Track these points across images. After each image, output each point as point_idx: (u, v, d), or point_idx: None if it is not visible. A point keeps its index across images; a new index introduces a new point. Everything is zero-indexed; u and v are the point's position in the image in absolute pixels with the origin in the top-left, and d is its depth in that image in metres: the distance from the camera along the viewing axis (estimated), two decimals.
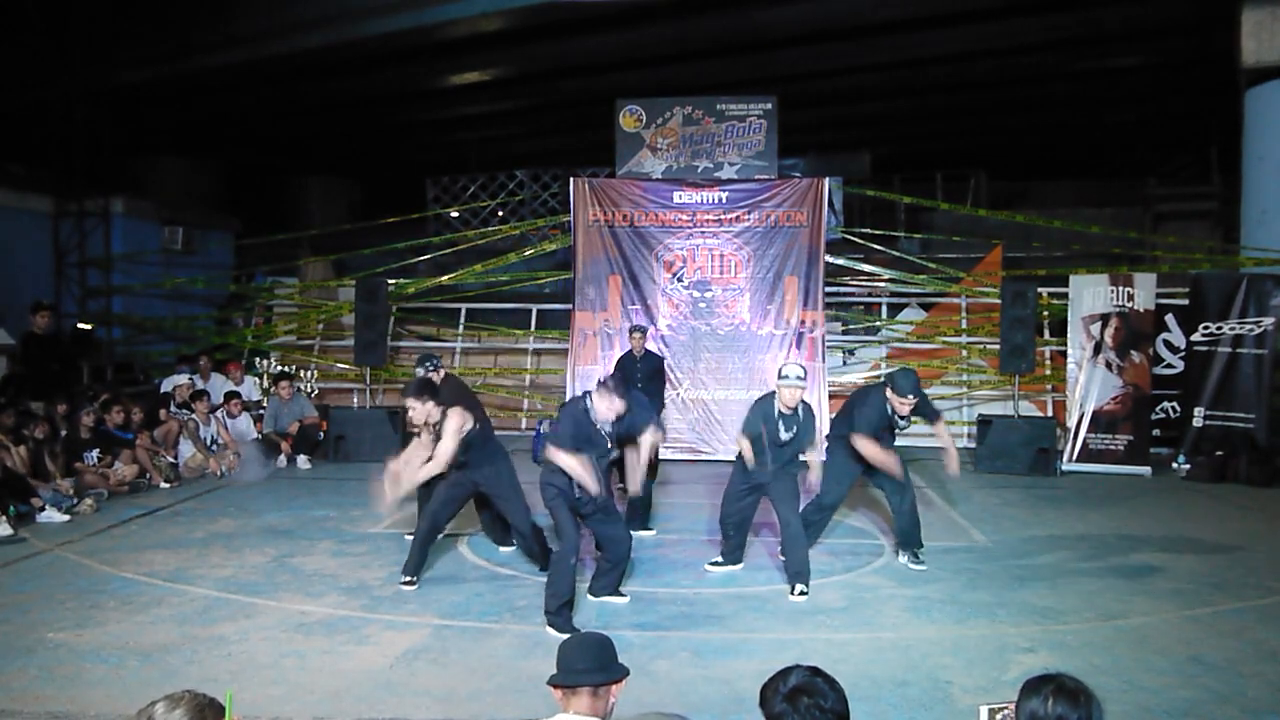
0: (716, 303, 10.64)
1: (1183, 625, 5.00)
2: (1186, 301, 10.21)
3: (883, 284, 12.12)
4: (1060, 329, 10.78)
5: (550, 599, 4.94)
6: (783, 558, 5.86)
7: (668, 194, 10.77)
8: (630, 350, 8.57)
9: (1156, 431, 10.39)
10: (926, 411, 6.11)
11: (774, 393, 5.77)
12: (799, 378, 5.67)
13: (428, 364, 6.73)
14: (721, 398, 10.39)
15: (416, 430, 5.74)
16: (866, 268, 11.80)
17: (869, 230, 12.79)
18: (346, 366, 12.09)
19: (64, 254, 13.10)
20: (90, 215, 13.25)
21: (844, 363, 11.98)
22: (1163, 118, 17.49)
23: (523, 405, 12.07)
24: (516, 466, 6.04)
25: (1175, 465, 9.74)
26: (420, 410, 5.55)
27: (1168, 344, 10.82)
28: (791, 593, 5.51)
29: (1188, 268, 11.70)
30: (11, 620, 4.94)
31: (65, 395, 8.89)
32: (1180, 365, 10.51)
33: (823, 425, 7.90)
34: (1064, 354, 10.32)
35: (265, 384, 11.60)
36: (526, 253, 12.78)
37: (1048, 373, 11.11)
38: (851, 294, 12.31)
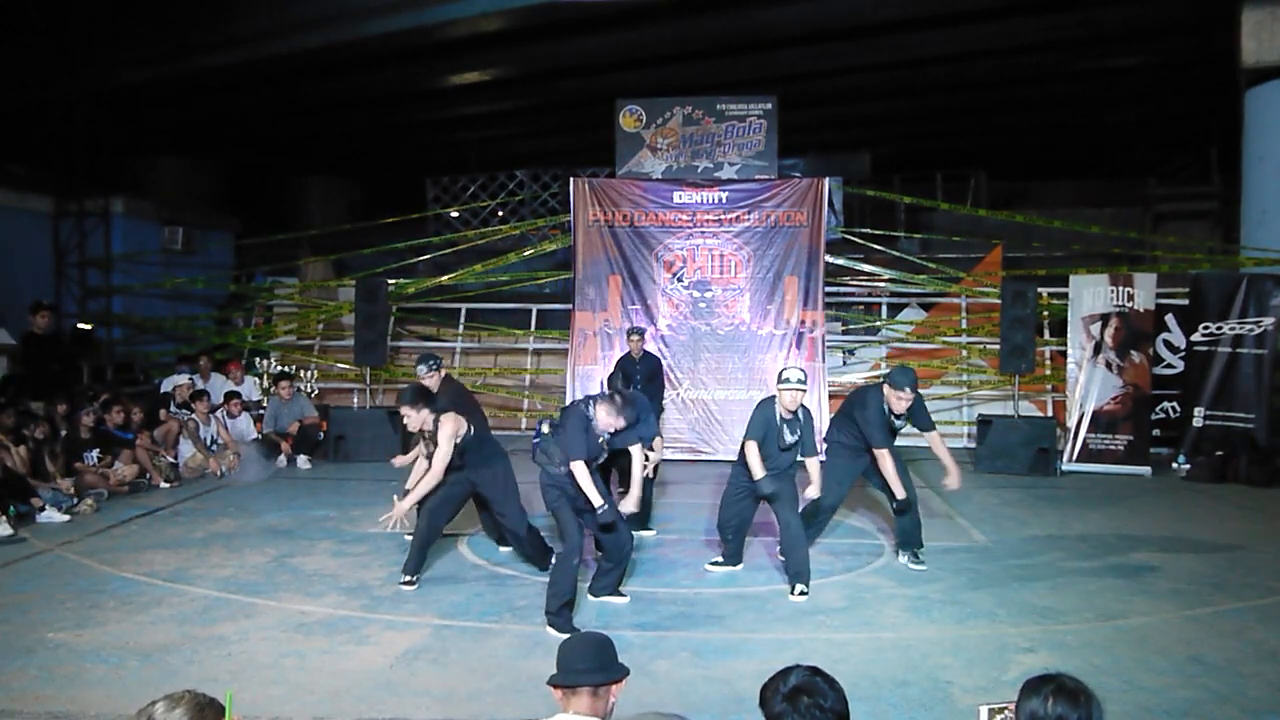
0: (716, 303, 10.64)
1: (1183, 625, 5.00)
2: (1186, 301, 10.21)
3: (883, 284, 12.12)
4: (1060, 329, 10.78)
5: (552, 599, 4.94)
6: (782, 558, 5.86)
7: (668, 194, 10.77)
8: (629, 352, 8.56)
9: (1156, 431, 10.39)
10: (922, 421, 6.09)
11: (774, 397, 5.76)
12: (800, 381, 5.65)
13: (428, 364, 6.75)
14: (721, 398, 10.39)
15: (415, 433, 5.77)
16: (866, 268, 11.80)
17: (869, 230, 12.79)
18: (346, 366, 12.09)
19: (64, 254, 13.10)
20: (90, 215, 13.26)
21: (844, 363, 11.98)
22: (1163, 118, 17.50)
23: (523, 405, 12.06)
24: (516, 467, 6.04)
25: (1175, 465, 9.74)
26: (415, 418, 5.59)
27: (1168, 344, 10.82)
28: (791, 593, 5.51)
29: (1188, 268, 11.71)
30: (11, 620, 4.94)
31: (65, 395, 8.89)
32: (1180, 365, 10.51)
33: (822, 426, 7.92)
34: (1064, 354, 10.32)
35: (265, 384, 11.61)
36: (526, 253, 12.79)
37: (1048, 373, 11.11)
38: (851, 294, 12.32)
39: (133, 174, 15.76)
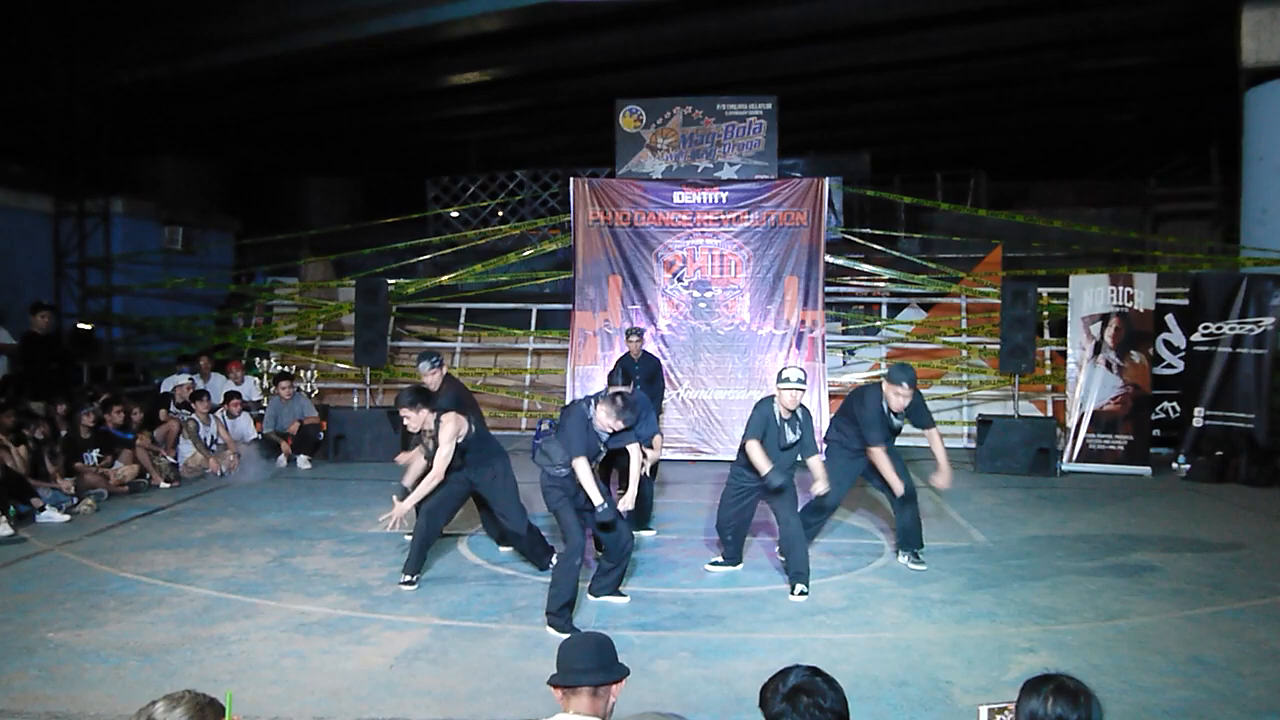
0: (716, 303, 10.64)
1: (1183, 625, 5.00)
2: (1186, 301, 10.21)
3: (883, 284, 12.13)
4: (1060, 329, 10.78)
5: (553, 599, 4.95)
6: (782, 558, 5.86)
7: (668, 194, 10.77)
8: (628, 353, 8.56)
9: (1156, 431, 10.39)
10: (922, 418, 6.10)
11: (773, 396, 5.76)
12: (800, 381, 5.65)
13: (430, 360, 6.75)
14: (721, 398, 10.39)
15: (415, 433, 5.77)
16: (866, 268, 11.80)
17: (869, 230, 12.80)
18: (346, 366, 12.09)
19: (64, 254, 13.11)
20: (90, 215, 13.27)
21: (844, 363, 11.99)
22: (1163, 118, 17.51)
23: (523, 405, 12.07)
24: (516, 467, 6.04)
25: (1175, 465, 9.74)
26: (415, 418, 5.59)
27: (1168, 344, 10.82)
28: (792, 593, 5.51)
29: (1188, 268, 11.72)
30: (11, 620, 4.94)
31: (65, 395, 8.89)
32: (1180, 365, 10.51)
33: (822, 427, 7.92)
34: (1064, 354, 10.32)
35: (265, 384, 11.60)
36: (526, 253, 12.79)
37: (1048, 373, 11.11)
38: (851, 294, 12.32)
39: (133, 174, 15.76)
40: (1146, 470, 9.52)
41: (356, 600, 5.39)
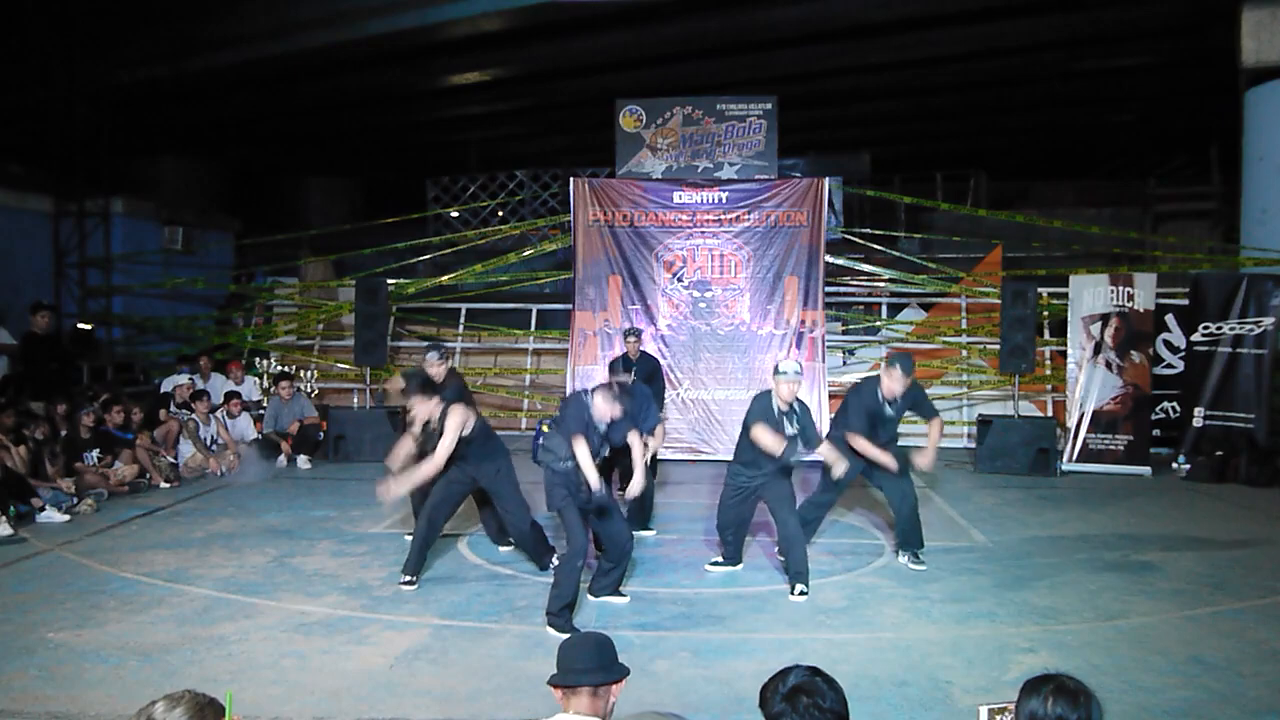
0: (716, 303, 10.63)
1: (1183, 625, 5.01)
2: (1186, 301, 10.21)
3: (883, 284, 12.12)
4: (1060, 329, 10.78)
5: (554, 600, 4.95)
6: (782, 558, 5.85)
7: (668, 194, 10.77)
8: (625, 354, 8.53)
9: (1156, 431, 10.38)
10: (925, 410, 6.12)
11: (770, 391, 5.75)
12: (796, 372, 5.67)
13: (438, 351, 6.72)
14: (721, 398, 10.39)
15: (413, 423, 5.71)
16: (866, 268, 11.80)
17: (869, 230, 12.80)
18: (346, 366, 12.09)
19: (64, 254, 13.10)
20: (90, 215, 13.26)
21: (844, 363, 11.99)
22: (1163, 118, 17.51)
23: (523, 405, 12.06)
24: (517, 468, 6.04)
25: (1175, 465, 9.74)
26: (425, 408, 5.56)
27: (1168, 344, 10.82)
28: (791, 593, 5.51)
29: (1188, 268, 11.71)
30: (11, 620, 4.94)
31: (65, 395, 8.89)
32: (1180, 365, 10.51)
33: (822, 429, 7.91)
34: (1064, 354, 10.32)
35: (265, 384, 11.61)
36: (526, 253, 12.79)
37: (1048, 373, 11.11)
38: (851, 294, 12.32)
39: (133, 174, 15.75)
40: (1146, 470, 9.52)
41: (356, 600, 5.39)
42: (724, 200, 10.68)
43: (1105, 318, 9.83)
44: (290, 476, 9.38)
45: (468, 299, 12.98)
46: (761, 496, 5.80)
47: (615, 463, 6.37)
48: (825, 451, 5.82)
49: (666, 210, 10.73)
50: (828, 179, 10.95)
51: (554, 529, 6.15)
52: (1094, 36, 13.06)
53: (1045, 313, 11.15)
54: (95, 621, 4.94)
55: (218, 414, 9.68)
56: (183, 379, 10.41)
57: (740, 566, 6.12)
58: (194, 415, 9.46)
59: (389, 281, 11.44)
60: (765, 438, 5.53)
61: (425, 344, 7.91)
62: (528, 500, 5.97)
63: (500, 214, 16.70)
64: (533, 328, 12.51)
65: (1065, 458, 9.72)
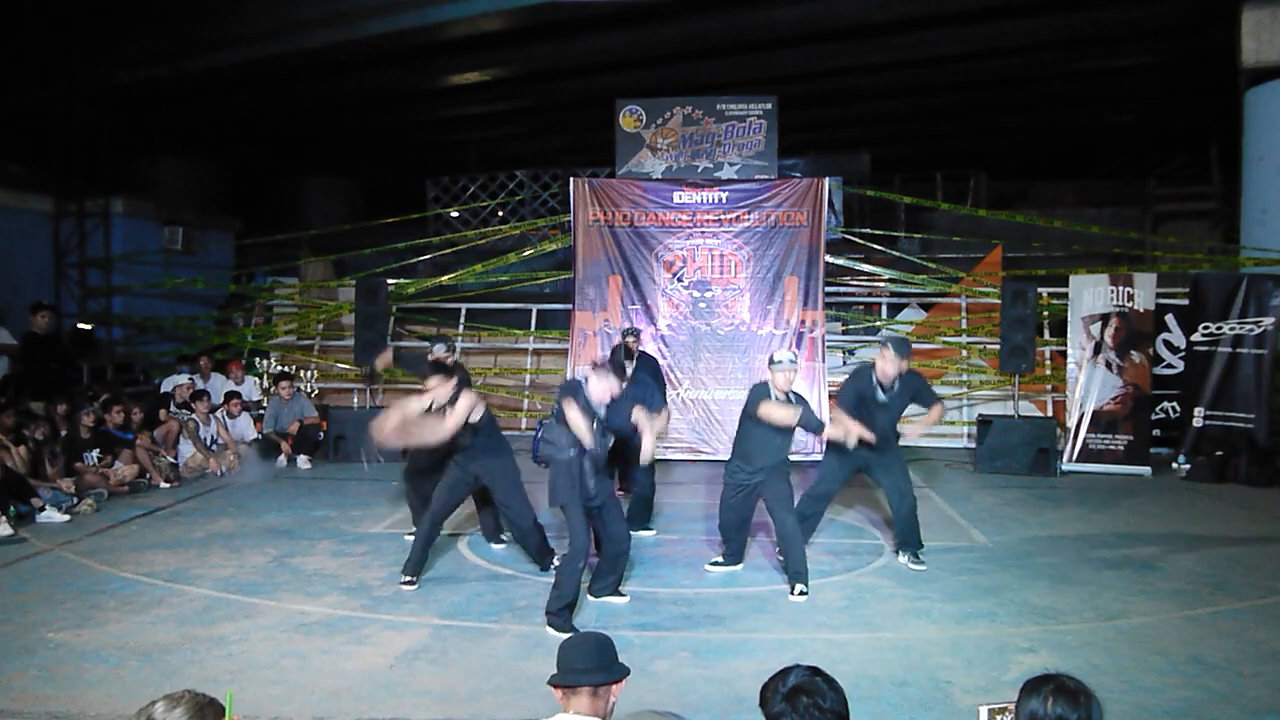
0: (716, 303, 10.63)
1: (1183, 625, 5.01)
2: (1186, 301, 10.21)
3: (883, 284, 12.12)
4: (1060, 329, 10.78)
5: (554, 600, 4.95)
6: (781, 558, 5.85)
7: (668, 194, 10.77)
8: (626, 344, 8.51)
9: (1156, 431, 10.39)
10: (926, 398, 6.12)
11: (766, 382, 5.74)
12: (791, 361, 5.69)
13: (447, 343, 6.72)
14: (721, 398, 10.38)
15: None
16: (866, 268, 11.80)
17: (869, 230, 12.80)
18: (346, 366, 12.09)
19: (64, 254, 13.10)
20: (90, 215, 13.26)
21: (844, 363, 11.97)
22: (1163, 118, 17.50)
23: (523, 405, 12.06)
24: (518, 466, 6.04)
25: (1175, 465, 9.74)
26: (445, 389, 5.56)
27: (1168, 344, 10.82)
28: (791, 593, 5.51)
29: (1188, 268, 11.71)
30: (11, 620, 4.94)
31: (65, 395, 8.88)
32: (1180, 365, 10.51)
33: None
34: (1064, 354, 10.32)
35: (265, 384, 11.61)
36: (526, 253, 12.79)
37: (1048, 373, 11.11)
38: (851, 294, 12.32)
39: (133, 174, 15.75)
40: (1146, 470, 9.52)
41: (356, 600, 5.39)
42: (724, 200, 10.68)
43: (1105, 318, 9.83)
44: (290, 476, 9.37)
45: (468, 299, 12.98)
46: (760, 495, 5.80)
47: (616, 461, 6.37)
48: (831, 431, 5.83)
49: (666, 210, 10.73)
50: (828, 179, 10.95)
51: (554, 529, 6.14)
52: (1094, 36, 13.06)
53: (1045, 313, 11.15)
54: (95, 621, 4.94)
55: (218, 414, 9.68)
56: (183, 379, 10.41)
57: (740, 566, 6.12)
58: (194, 415, 9.46)
59: (389, 281, 11.44)
60: (776, 411, 5.53)
61: (425, 345, 7.93)
62: (530, 500, 5.97)
63: (500, 214, 16.69)
64: (533, 328, 12.51)
65: (1065, 458, 9.72)
